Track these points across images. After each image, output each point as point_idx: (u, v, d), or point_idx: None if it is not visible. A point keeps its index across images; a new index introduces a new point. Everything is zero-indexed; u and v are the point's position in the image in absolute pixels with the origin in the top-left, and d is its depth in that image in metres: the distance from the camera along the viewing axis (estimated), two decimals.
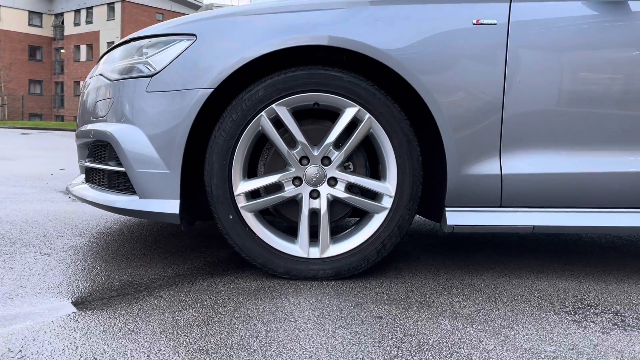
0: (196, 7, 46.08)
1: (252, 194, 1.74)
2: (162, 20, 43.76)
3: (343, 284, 1.69)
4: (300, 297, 1.56)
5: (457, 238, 2.44)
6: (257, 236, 1.70)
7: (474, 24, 1.70)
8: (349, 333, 1.30)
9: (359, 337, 1.27)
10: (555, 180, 1.74)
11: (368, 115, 1.69)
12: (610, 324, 1.40)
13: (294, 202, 1.76)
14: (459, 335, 1.30)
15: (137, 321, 1.34)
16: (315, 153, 1.71)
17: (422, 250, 2.21)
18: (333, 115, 1.77)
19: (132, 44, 1.85)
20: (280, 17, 1.70)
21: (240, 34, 1.69)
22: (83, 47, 45.62)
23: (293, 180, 1.73)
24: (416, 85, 1.66)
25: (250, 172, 1.84)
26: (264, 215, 1.83)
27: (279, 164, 1.78)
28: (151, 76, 1.71)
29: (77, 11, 45.79)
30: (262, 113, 1.67)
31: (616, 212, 1.78)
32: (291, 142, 1.71)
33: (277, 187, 1.74)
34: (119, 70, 1.82)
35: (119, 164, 1.76)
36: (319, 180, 1.72)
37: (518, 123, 1.70)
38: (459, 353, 1.20)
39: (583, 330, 1.35)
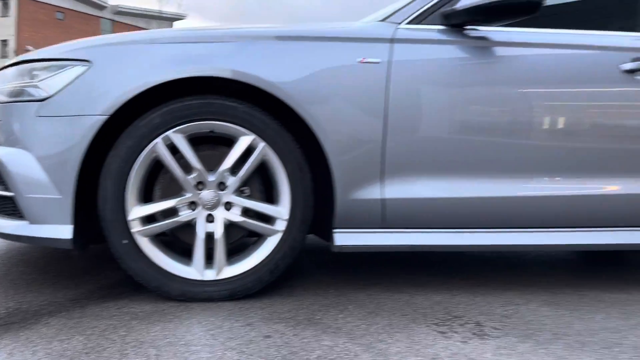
0: (100, 7, 44.14)
1: (148, 218, 1.78)
2: (62, 20, 41.37)
3: (237, 305, 1.77)
4: (193, 320, 1.62)
5: (351, 253, 2.60)
6: (152, 260, 1.74)
7: (359, 61, 1.86)
8: (237, 353, 1.38)
9: (246, 357, 1.36)
10: (432, 204, 1.93)
11: (263, 143, 1.79)
12: (470, 334, 1.59)
13: (191, 226, 1.82)
14: (338, 350, 1.43)
15: (22, 351, 1.34)
16: (211, 179, 1.78)
17: (316, 266, 2.34)
18: (231, 141, 1.85)
19: (23, 66, 1.83)
20: (177, 47, 1.76)
21: (138, 62, 1.73)
22: None
23: (189, 205, 1.79)
24: (306, 116, 1.79)
25: (147, 196, 1.87)
26: (161, 236, 1.86)
27: (176, 188, 1.83)
28: (42, 100, 1.70)
29: None
30: (158, 140, 1.72)
31: (486, 232, 2.01)
32: (188, 167, 1.77)
33: (173, 211, 1.79)
34: (8, 93, 1.79)
35: (7, 189, 1.73)
36: (214, 205, 1.79)
37: (398, 152, 1.88)
38: None
39: (446, 341, 1.53)
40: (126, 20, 44.50)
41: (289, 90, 1.77)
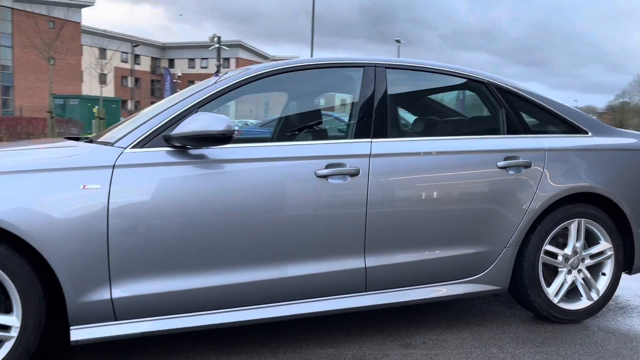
0: None
1: None
2: None
3: None
4: None
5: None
6: None
7: (81, 188, 2.23)
8: None
9: None
10: (157, 298, 2.34)
11: None
12: None
13: None
14: None
15: None
16: None
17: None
18: None
19: None
20: None
21: None
22: None
23: None
24: (31, 241, 2.13)
25: None
26: None
27: None
28: None
29: None
30: None
31: (208, 314, 2.44)
32: None
33: None
34: None
35: None
36: None
37: (121, 262, 2.26)
38: None
39: None
40: (28, 8, 41.95)
41: (13, 222, 2.10)
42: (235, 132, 2.36)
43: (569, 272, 3.02)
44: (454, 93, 3.25)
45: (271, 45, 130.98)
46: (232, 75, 2.69)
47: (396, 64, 2.91)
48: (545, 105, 3.13)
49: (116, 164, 2.30)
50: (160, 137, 2.41)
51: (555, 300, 2.98)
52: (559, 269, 3.02)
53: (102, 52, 54.13)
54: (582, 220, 3.00)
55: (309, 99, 3.52)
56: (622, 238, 3.10)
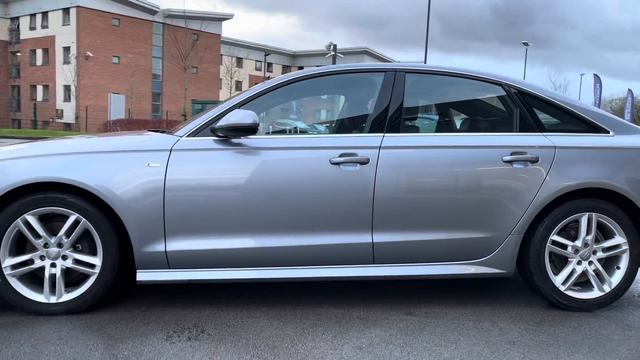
0: (152, 12, 46.58)
1: (18, 265, 2.96)
2: (118, 26, 44.18)
3: (72, 316, 2.92)
4: (42, 326, 2.78)
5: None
6: (18, 292, 2.92)
7: (146, 165, 2.96)
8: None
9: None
10: (200, 253, 3.01)
11: (84, 219, 2.92)
12: (193, 336, 2.67)
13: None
14: (92, 347, 2.56)
15: None
16: (53, 240, 2.94)
17: (141, 291, 3.46)
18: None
19: None
20: (30, 161, 2.92)
21: (9, 171, 2.90)
22: (39, 52, 45.78)
23: (40, 257, 2.96)
24: (111, 204, 2.90)
25: (21, 251, 3.04)
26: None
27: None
28: None
29: (33, 15, 45.97)
30: (18, 220, 2.89)
31: (238, 270, 3.06)
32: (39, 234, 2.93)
33: (32, 260, 2.96)
34: None
35: None
36: (55, 257, 2.95)
37: (174, 222, 2.95)
38: None
39: (170, 344, 2.62)
40: (176, 23, 46.80)
41: (99, 189, 2.89)
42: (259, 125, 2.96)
43: (579, 263, 3.18)
44: (472, 95, 3.53)
45: (399, 51, 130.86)
46: (272, 80, 3.29)
47: (415, 69, 3.31)
48: (563, 106, 3.31)
49: (173, 148, 3.00)
50: (208, 128, 3.08)
51: (563, 288, 3.15)
52: (569, 259, 3.19)
53: (239, 61, 58.06)
54: (594, 214, 3.14)
55: (359, 100, 3.97)
56: None
